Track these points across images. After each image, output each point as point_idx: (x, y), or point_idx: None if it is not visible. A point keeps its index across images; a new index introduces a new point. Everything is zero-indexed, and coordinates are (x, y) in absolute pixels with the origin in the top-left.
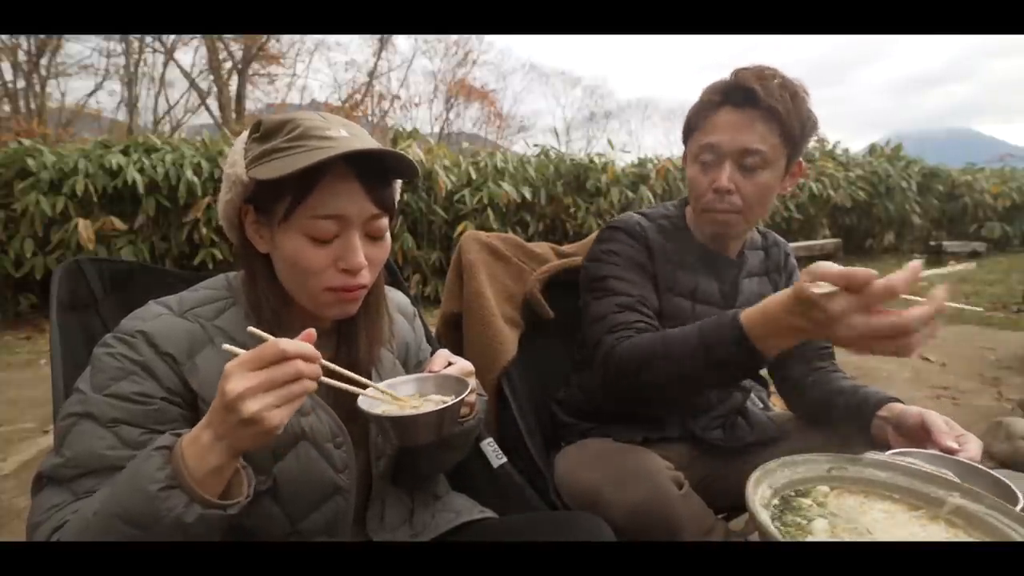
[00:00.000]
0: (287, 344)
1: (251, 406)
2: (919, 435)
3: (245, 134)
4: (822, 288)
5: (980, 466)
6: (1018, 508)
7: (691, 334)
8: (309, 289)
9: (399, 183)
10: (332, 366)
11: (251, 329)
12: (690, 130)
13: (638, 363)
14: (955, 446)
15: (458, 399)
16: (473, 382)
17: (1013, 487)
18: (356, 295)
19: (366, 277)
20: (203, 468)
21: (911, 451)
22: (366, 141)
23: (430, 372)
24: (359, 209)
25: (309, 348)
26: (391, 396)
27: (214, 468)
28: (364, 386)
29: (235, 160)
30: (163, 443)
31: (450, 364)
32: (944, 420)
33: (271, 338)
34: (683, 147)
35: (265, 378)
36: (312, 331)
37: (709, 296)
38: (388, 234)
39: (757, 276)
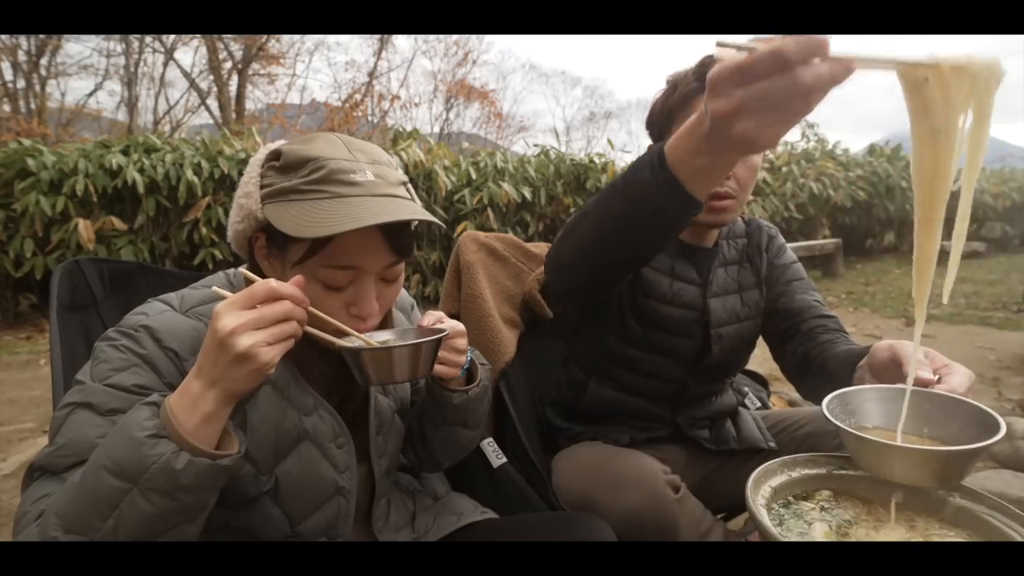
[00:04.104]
0: (278, 283)
1: (244, 341)
2: (893, 371)
3: (260, 156)
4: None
5: (957, 396)
6: (999, 436)
7: (618, 177)
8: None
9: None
10: (316, 312)
11: (242, 270)
12: (667, 122)
13: (577, 219)
14: (929, 376)
15: (434, 337)
16: (464, 342)
17: (995, 416)
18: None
19: (377, 319)
20: (195, 417)
21: (867, 387)
22: (391, 180)
23: (418, 327)
24: (377, 260)
25: (298, 291)
26: (371, 343)
27: (206, 415)
28: (348, 333)
29: (249, 191)
30: (151, 399)
31: (441, 322)
32: (924, 351)
33: (259, 279)
34: (652, 142)
35: (257, 315)
36: (300, 277)
37: (686, 275)
38: (402, 274)
39: (735, 264)
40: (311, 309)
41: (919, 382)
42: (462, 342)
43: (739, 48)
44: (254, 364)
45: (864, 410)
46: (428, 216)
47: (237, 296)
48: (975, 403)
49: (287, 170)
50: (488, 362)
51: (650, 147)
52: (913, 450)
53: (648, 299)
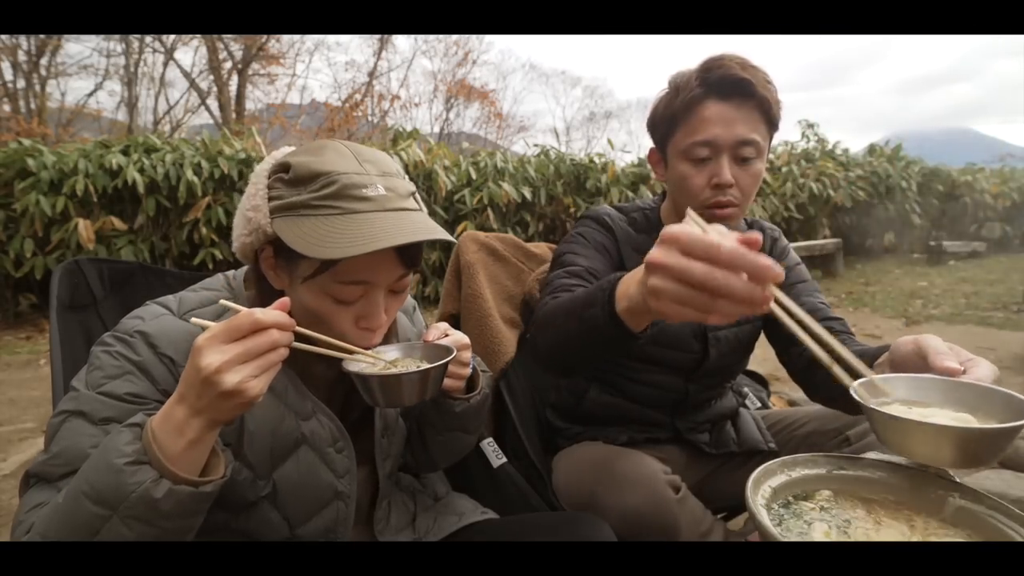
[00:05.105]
0: (262, 314)
1: (231, 379)
2: (916, 364)
3: (265, 166)
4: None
5: (987, 384)
6: None
7: (582, 292)
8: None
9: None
10: (311, 333)
11: (223, 302)
12: (670, 127)
13: (550, 317)
14: (956, 366)
15: (442, 362)
16: (468, 355)
17: None
18: (372, 346)
19: (384, 329)
20: (179, 444)
21: (893, 377)
22: (401, 192)
23: (424, 341)
24: (389, 274)
25: (284, 316)
26: (377, 358)
27: (191, 442)
28: (352, 351)
29: (257, 204)
30: (134, 421)
31: (447, 335)
32: (947, 345)
33: (244, 309)
34: (653, 144)
35: (242, 350)
36: (287, 299)
37: None
38: (409, 285)
39: None
40: (310, 333)
41: (946, 372)
42: (466, 355)
43: (698, 224)
44: (242, 399)
45: (892, 394)
46: (443, 235)
47: (219, 329)
48: (1004, 390)
49: (297, 184)
50: (488, 362)
51: (611, 281)
52: (948, 429)
53: None
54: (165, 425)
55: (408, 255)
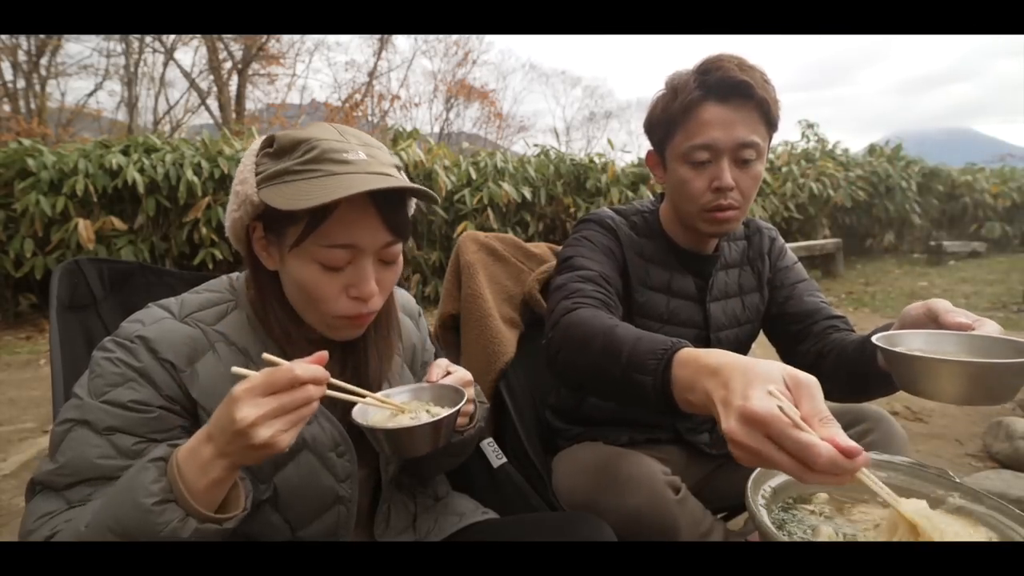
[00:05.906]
0: (302, 370)
1: (264, 433)
2: (926, 325)
3: (255, 146)
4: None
5: (998, 335)
6: None
7: (629, 340)
8: (319, 313)
9: (414, 202)
10: (340, 383)
11: (266, 356)
12: (668, 130)
13: (581, 340)
14: (967, 321)
15: (453, 410)
16: (471, 391)
17: None
18: (366, 321)
19: (377, 303)
20: (203, 481)
21: (910, 332)
22: (383, 161)
23: (428, 383)
24: (374, 238)
25: (321, 371)
26: (388, 404)
27: (214, 480)
28: (362, 396)
29: (245, 178)
30: (159, 455)
31: (449, 373)
32: (957, 309)
33: (284, 362)
34: (651, 147)
35: (277, 405)
36: (325, 353)
37: (684, 291)
38: (401, 257)
39: (735, 268)
40: (339, 383)
41: (958, 327)
42: (470, 391)
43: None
44: (271, 451)
45: (910, 347)
46: (422, 188)
47: (257, 381)
48: (1013, 338)
49: (281, 154)
50: (488, 363)
51: (666, 349)
52: (969, 364)
53: (645, 319)
54: (191, 462)
55: (392, 220)
